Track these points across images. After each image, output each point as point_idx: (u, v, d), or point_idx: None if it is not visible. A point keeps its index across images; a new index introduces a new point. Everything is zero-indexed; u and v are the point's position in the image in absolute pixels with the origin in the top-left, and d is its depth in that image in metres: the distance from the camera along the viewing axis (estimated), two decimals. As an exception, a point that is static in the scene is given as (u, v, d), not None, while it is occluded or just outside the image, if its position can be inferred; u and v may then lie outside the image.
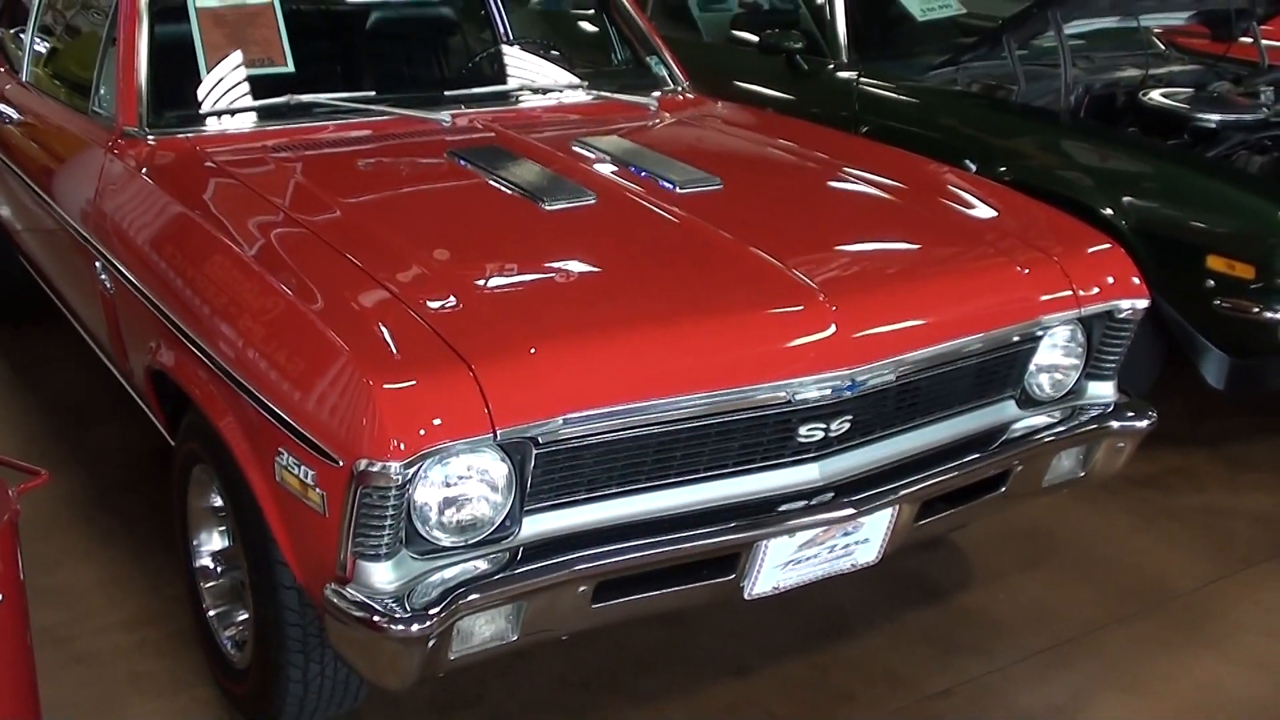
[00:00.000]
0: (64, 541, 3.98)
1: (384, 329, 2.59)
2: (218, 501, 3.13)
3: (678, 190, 3.35)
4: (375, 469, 2.39)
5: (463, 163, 3.50)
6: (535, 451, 2.56)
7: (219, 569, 3.25)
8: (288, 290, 2.75)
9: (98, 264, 3.56)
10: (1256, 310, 4.24)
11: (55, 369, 5.07)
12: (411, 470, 2.42)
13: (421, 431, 2.40)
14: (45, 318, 4.78)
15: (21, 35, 4.66)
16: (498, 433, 2.47)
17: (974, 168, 4.92)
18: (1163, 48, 6.03)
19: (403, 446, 2.39)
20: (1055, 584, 3.87)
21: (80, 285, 3.84)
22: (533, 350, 2.56)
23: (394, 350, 2.53)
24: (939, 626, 3.64)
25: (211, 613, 3.27)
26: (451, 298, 2.74)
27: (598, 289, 2.95)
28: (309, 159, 3.59)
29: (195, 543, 3.30)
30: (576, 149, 3.66)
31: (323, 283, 2.78)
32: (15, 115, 4.46)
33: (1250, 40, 5.81)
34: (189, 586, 3.35)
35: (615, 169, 3.51)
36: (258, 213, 3.18)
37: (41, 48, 4.55)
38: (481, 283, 2.86)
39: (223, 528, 3.22)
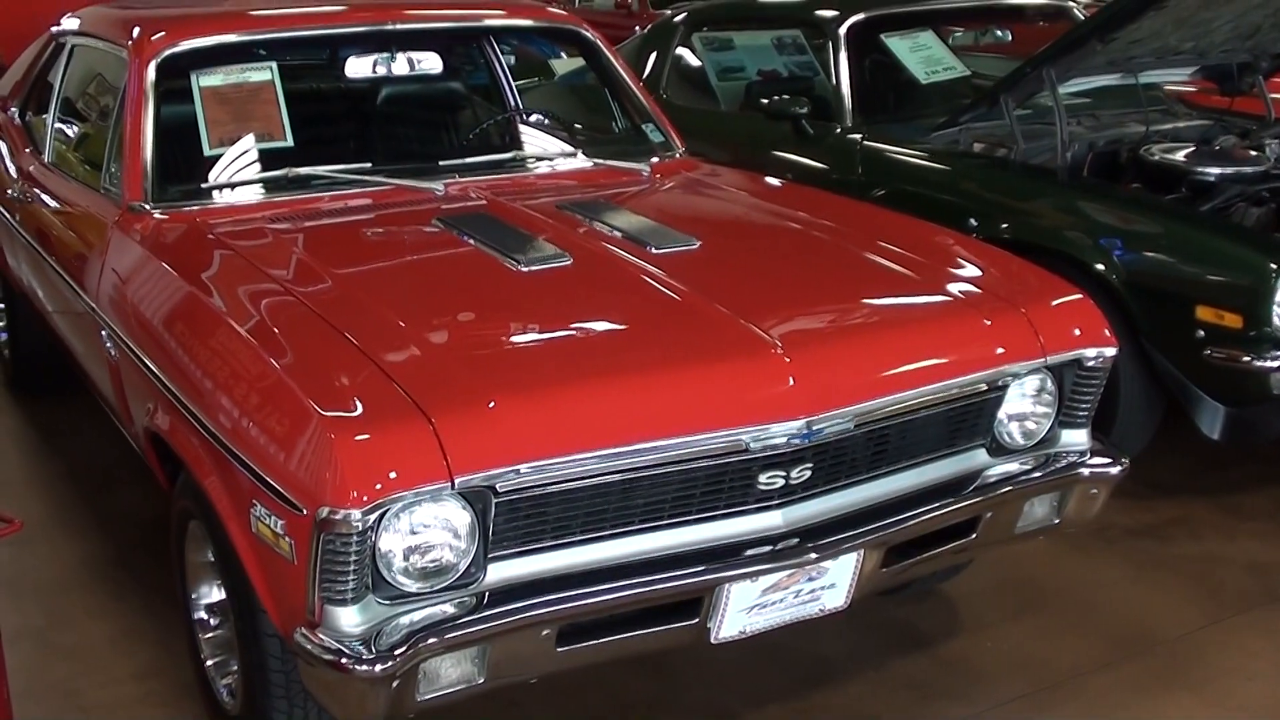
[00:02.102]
0: (81, 599, 4.14)
1: (351, 386, 2.73)
2: (211, 556, 3.26)
3: (653, 250, 3.47)
4: (337, 517, 2.52)
5: (449, 229, 3.64)
6: (495, 500, 2.68)
7: (215, 620, 3.38)
8: (263, 351, 2.89)
9: (103, 332, 3.73)
10: (1247, 359, 4.29)
11: (80, 438, 5.25)
12: (372, 517, 2.55)
13: (379, 484, 2.53)
14: (71, 389, 4.96)
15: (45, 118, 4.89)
16: (455, 481, 2.59)
17: (976, 225, 5.02)
18: (1169, 104, 6.10)
19: (362, 496, 2.52)
20: (1041, 632, 3.92)
21: (92, 354, 4.01)
22: (492, 404, 2.69)
23: (358, 405, 2.66)
24: (922, 674, 3.70)
25: (209, 663, 3.40)
26: (419, 355, 2.88)
27: (562, 344, 3.07)
28: (303, 230, 3.75)
29: (194, 596, 3.44)
30: (562, 213, 3.80)
31: (298, 344, 2.93)
32: (39, 194, 4.66)
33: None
34: (189, 638, 3.48)
35: (596, 231, 3.64)
36: (247, 281, 3.34)
37: (62, 129, 4.77)
38: (450, 341, 3.01)
39: (218, 581, 3.35)
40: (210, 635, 3.40)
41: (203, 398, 3.00)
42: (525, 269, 3.34)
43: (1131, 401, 4.64)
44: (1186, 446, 4.81)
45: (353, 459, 2.55)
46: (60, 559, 4.37)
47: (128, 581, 4.20)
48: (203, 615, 3.41)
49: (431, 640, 2.61)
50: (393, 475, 2.54)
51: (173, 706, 3.56)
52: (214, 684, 3.37)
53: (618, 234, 3.60)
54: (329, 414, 2.63)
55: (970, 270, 3.54)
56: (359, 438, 2.58)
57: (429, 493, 2.59)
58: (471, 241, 3.55)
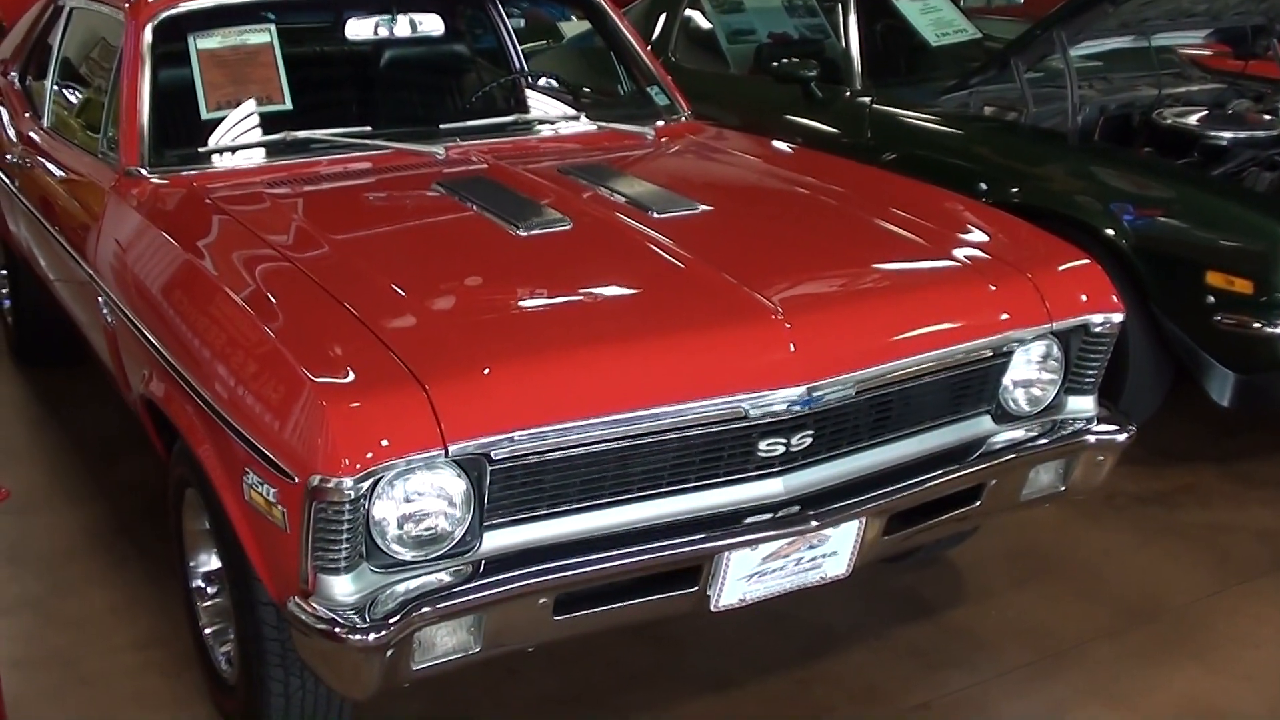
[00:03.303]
0: (83, 568, 4.12)
1: (344, 353, 2.69)
2: (207, 524, 3.24)
3: (654, 215, 3.42)
4: (329, 485, 2.49)
5: (449, 194, 3.60)
6: (491, 467, 2.64)
7: (212, 589, 3.36)
8: (256, 318, 2.86)
9: (100, 299, 3.70)
10: (1257, 325, 4.25)
11: (83, 407, 5.23)
12: (365, 485, 2.51)
13: (371, 451, 2.50)
14: (76, 358, 4.93)
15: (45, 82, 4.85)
16: (449, 449, 2.56)
17: (986, 189, 4.97)
18: (1182, 67, 6.02)
19: (354, 464, 2.48)
20: (1047, 600, 3.89)
21: (91, 320, 3.98)
22: (487, 370, 2.65)
23: (351, 373, 2.63)
24: (926, 641, 3.67)
25: (208, 631, 3.39)
26: (414, 321, 2.84)
27: (560, 310, 3.03)
28: (301, 194, 3.71)
29: (192, 564, 3.42)
30: (563, 177, 3.75)
31: (292, 311, 2.90)
32: (38, 159, 4.63)
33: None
34: (187, 606, 3.46)
35: (597, 196, 3.60)
36: (243, 247, 3.30)
37: (60, 92, 4.73)
38: (446, 307, 2.97)
39: (215, 549, 3.32)
40: (208, 603, 3.38)
41: (196, 364, 2.97)
42: (524, 234, 3.30)
43: (1141, 368, 4.60)
44: (1196, 413, 4.78)
45: (344, 426, 2.51)
46: (62, 528, 4.35)
47: (130, 550, 4.18)
48: (200, 583, 3.39)
49: (426, 609, 2.58)
50: (385, 443, 2.51)
51: (173, 675, 3.54)
52: (212, 652, 3.35)
53: (619, 198, 3.56)
54: (321, 381, 2.59)
55: (977, 236, 3.49)
56: (351, 405, 2.55)
57: (422, 460, 2.56)
58: (471, 206, 3.51)
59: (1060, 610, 3.82)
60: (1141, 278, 4.49)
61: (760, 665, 3.56)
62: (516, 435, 2.62)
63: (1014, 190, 4.93)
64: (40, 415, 5.30)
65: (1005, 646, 3.65)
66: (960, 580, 3.98)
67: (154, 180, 3.78)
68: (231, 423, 2.76)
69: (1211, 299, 4.32)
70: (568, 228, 3.35)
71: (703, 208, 3.53)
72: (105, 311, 3.68)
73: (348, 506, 2.52)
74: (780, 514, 2.93)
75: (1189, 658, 3.59)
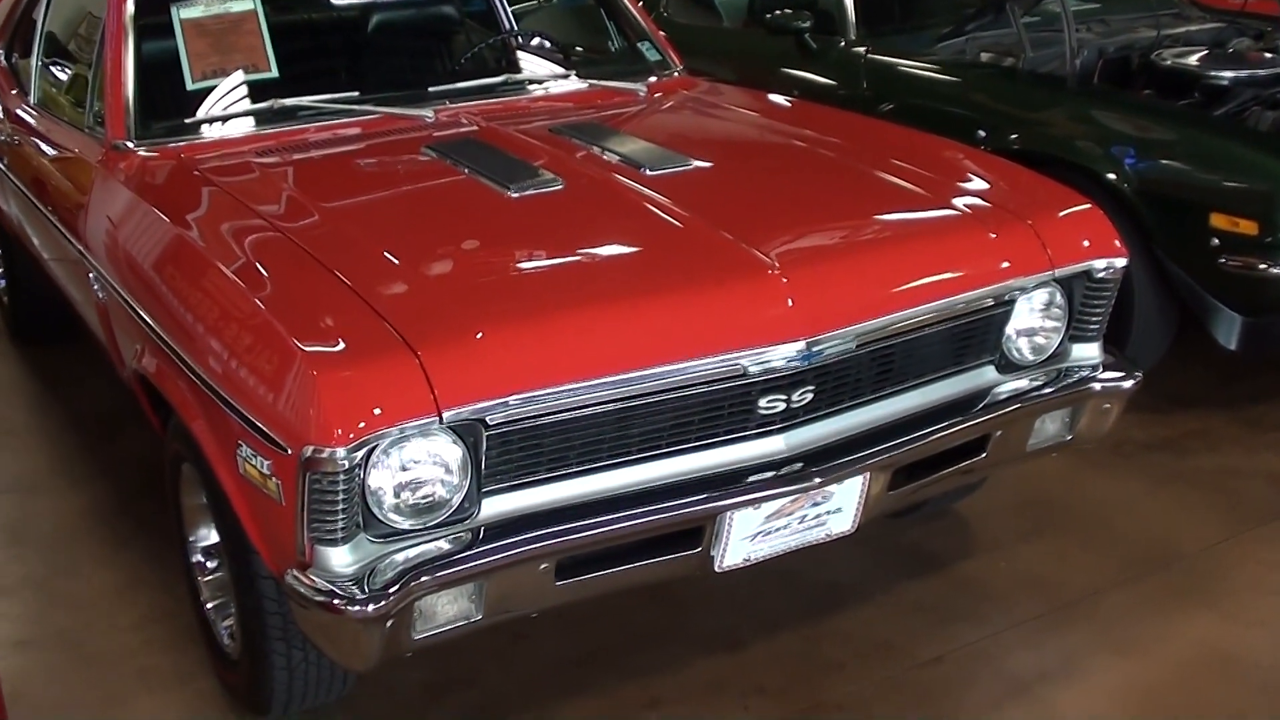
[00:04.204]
0: (86, 548, 4.08)
1: (336, 322, 2.65)
2: (205, 499, 3.20)
3: (647, 172, 3.37)
4: (322, 455, 2.45)
5: (437, 157, 3.55)
6: (487, 433, 2.60)
7: (212, 563, 3.33)
8: (246, 289, 2.82)
9: (91, 274, 3.66)
10: (1263, 267, 4.20)
11: (82, 386, 5.19)
12: (359, 455, 2.48)
13: (364, 420, 2.46)
14: (74, 336, 4.89)
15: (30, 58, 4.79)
16: (444, 415, 2.52)
17: (985, 136, 4.91)
18: (1181, 7, 5.95)
19: (347, 434, 2.44)
20: (1057, 550, 3.85)
21: (83, 297, 3.94)
22: (479, 334, 2.61)
23: (342, 342, 2.59)
24: (935, 595, 3.64)
25: (209, 606, 3.36)
26: (405, 288, 2.80)
27: (553, 272, 2.98)
28: (290, 163, 3.66)
29: (191, 539, 3.39)
30: (555, 137, 3.70)
31: (282, 281, 2.85)
32: (26, 136, 4.58)
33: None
34: (188, 582, 3.44)
35: (589, 155, 3.54)
36: (232, 218, 3.24)
37: (45, 68, 4.67)
38: (437, 272, 2.92)
39: (214, 523, 3.29)
40: (209, 578, 3.35)
41: (187, 338, 2.93)
42: (516, 195, 3.25)
43: (1146, 314, 4.55)
44: (1203, 358, 4.73)
45: (336, 396, 2.47)
46: (63, 508, 4.32)
47: (131, 529, 4.15)
48: (200, 558, 3.36)
49: (425, 578, 2.55)
50: (377, 411, 2.47)
51: (176, 651, 3.51)
52: (214, 627, 3.32)
53: (612, 156, 3.50)
54: (311, 350, 2.55)
55: (977, 184, 3.44)
56: (342, 374, 2.51)
57: (416, 428, 2.52)
58: (462, 169, 3.45)
59: (1070, 560, 3.79)
60: (1144, 222, 4.44)
61: (769, 623, 3.53)
62: (511, 400, 2.58)
63: (1013, 137, 4.87)
64: (38, 394, 5.26)
65: (1016, 598, 3.62)
66: (968, 533, 3.95)
67: (141, 153, 3.72)
68: (224, 396, 2.73)
69: (1216, 241, 4.26)
70: (560, 188, 3.30)
71: (697, 164, 3.48)
72: (96, 288, 3.64)
73: (342, 477, 2.48)
74: (783, 471, 2.89)
75: (1201, 606, 3.56)
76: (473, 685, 3.33)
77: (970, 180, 3.46)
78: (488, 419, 2.58)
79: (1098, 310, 3.31)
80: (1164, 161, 4.44)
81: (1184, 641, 3.41)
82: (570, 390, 2.63)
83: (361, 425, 2.46)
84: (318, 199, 3.33)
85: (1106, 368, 3.32)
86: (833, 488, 2.93)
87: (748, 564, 2.96)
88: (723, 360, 2.75)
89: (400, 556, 2.60)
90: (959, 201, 3.30)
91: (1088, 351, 3.34)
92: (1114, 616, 3.52)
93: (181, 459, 3.23)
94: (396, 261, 2.91)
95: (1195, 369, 4.88)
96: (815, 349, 2.82)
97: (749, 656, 3.42)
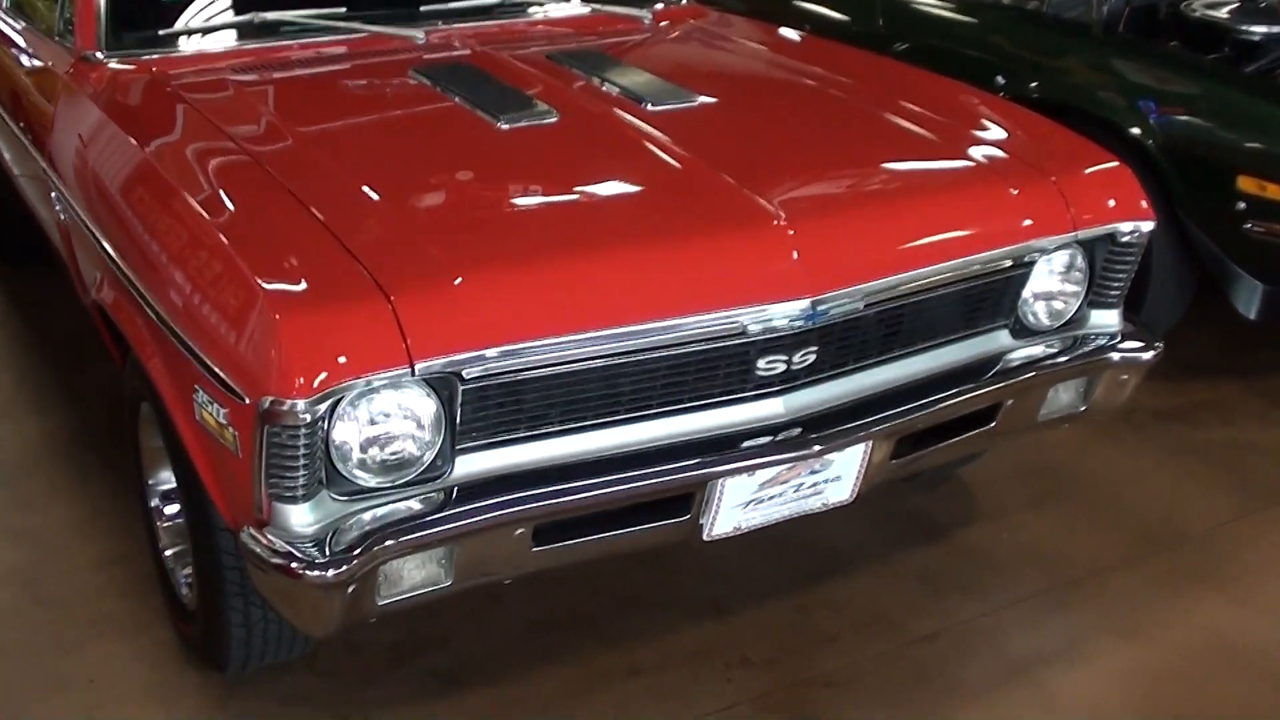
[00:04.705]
0: (46, 479, 3.89)
1: (304, 260, 2.45)
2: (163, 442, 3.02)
3: (649, 108, 3.16)
4: (282, 407, 2.25)
5: (425, 82, 3.33)
6: (463, 387, 2.41)
7: (171, 509, 3.14)
8: (210, 221, 2.60)
9: (54, 194, 3.44)
10: (1291, 234, 4.00)
11: (54, 310, 4.96)
12: (321, 408, 2.28)
13: (327, 370, 2.26)
14: (47, 258, 4.67)
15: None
16: (416, 367, 2.32)
17: (1004, 83, 4.70)
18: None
19: (309, 384, 2.25)
20: (1062, 523, 3.67)
21: (48, 217, 3.73)
22: (459, 280, 2.41)
23: (309, 282, 2.39)
24: (934, 566, 3.47)
25: (168, 553, 3.17)
26: (380, 225, 2.60)
27: (540, 213, 2.78)
28: (269, 82, 3.43)
29: (151, 481, 3.20)
30: (552, 65, 3.48)
31: (249, 213, 2.65)
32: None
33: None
34: (147, 526, 3.25)
35: (586, 84, 3.33)
36: (202, 140, 3.03)
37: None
38: (415, 208, 2.71)
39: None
40: (168, 524, 3.16)
41: (144, 269, 2.73)
42: (507, 127, 3.04)
43: (1163, 277, 4.35)
44: (1218, 325, 4.53)
45: (298, 342, 2.27)
46: (24, 437, 4.12)
47: (95, 462, 3.95)
48: (158, 502, 3.17)
49: (389, 542, 2.36)
50: (342, 360, 2.27)
51: (133, 598, 3.33)
52: (173, 575, 3.14)
53: (611, 88, 3.29)
54: (274, 291, 2.35)
55: (999, 135, 3.23)
56: (307, 318, 2.30)
57: (386, 380, 2.32)
58: (451, 96, 3.24)
59: (1076, 534, 3.61)
60: (1168, 180, 4.23)
61: (760, 590, 3.35)
62: (491, 352, 2.38)
63: (1033, 84, 4.66)
64: (6, 316, 5.04)
65: (1018, 573, 3.45)
66: (972, 500, 3.77)
67: (112, 66, 3.49)
68: (180, 335, 2.53)
69: (1242, 205, 4.07)
70: (554, 121, 3.09)
71: (702, 100, 3.28)
72: (59, 208, 3.43)
73: (303, 431, 2.29)
74: (780, 437, 2.70)
75: (1210, 589, 3.39)
76: (444, 648, 3.16)
77: (992, 131, 3.25)
78: (464, 372, 2.39)
79: (1120, 275, 3.11)
80: (1190, 118, 4.23)
81: (1191, 627, 3.25)
82: (555, 344, 2.43)
83: (325, 375, 2.25)
84: (295, 123, 3.11)
85: (1126, 337, 3.13)
86: (832, 455, 2.74)
87: (738, 533, 2.78)
88: (721, 317, 2.55)
89: (367, 516, 2.41)
90: (979, 153, 3.09)
91: (1107, 318, 3.15)
92: (1119, 597, 3.35)
93: (140, 397, 3.03)
94: (374, 196, 2.70)
95: (1208, 336, 4.68)
96: (821, 308, 2.63)
97: (736, 625, 3.25)
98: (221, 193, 2.72)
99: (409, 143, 3.08)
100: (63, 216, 3.40)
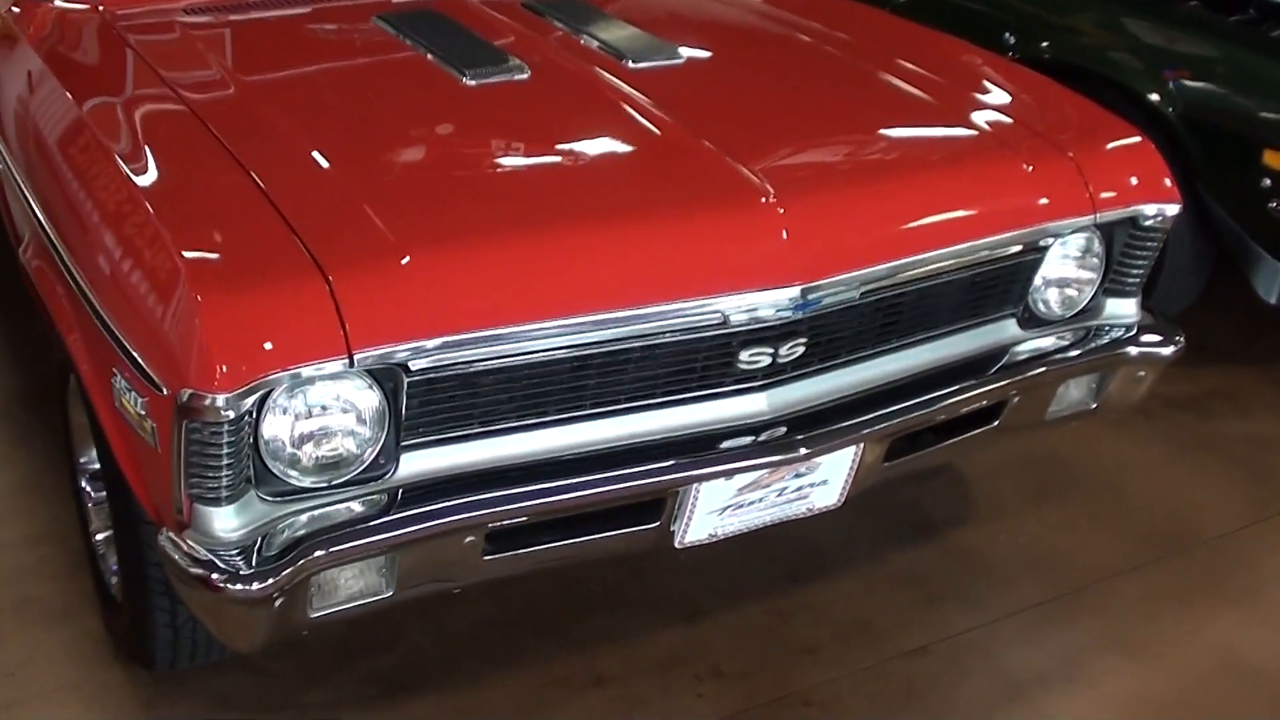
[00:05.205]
0: (-20, 444, 3.65)
1: (234, 232, 2.20)
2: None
3: (629, 65, 2.90)
4: (203, 401, 2.00)
5: (388, 29, 3.06)
6: (408, 379, 2.16)
7: (100, 492, 2.88)
8: (136, 184, 2.34)
9: (-10, 141, 3.18)
10: (1318, 217, 3.75)
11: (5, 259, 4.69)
12: (247, 402, 2.02)
13: (254, 359, 2.01)
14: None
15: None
16: (355, 357, 2.07)
17: (1013, 43, 4.43)
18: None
19: (234, 375, 1.99)
20: (1065, 522, 3.43)
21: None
22: (406, 259, 2.15)
23: (239, 258, 2.13)
24: (926, 569, 3.22)
25: (98, 537, 2.93)
26: (323, 193, 2.33)
27: (503, 184, 2.51)
28: (220, 23, 3.15)
29: (82, 459, 2.95)
30: (526, 14, 3.22)
31: (182, 176, 2.39)
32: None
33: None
34: (78, 506, 3.01)
35: (564, 36, 3.06)
36: (139, 88, 2.78)
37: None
38: (363, 175, 2.42)
39: (97, 449, 2.86)
40: (97, 505, 2.92)
41: (67, 235, 2.47)
42: (470, 82, 2.77)
43: (1179, 257, 4.09)
44: (1235, 308, 4.27)
45: (221, 327, 2.02)
46: (-39, 394, 3.87)
47: (34, 426, 3.68)
48: (86, 484, 2.93)
49: (321, 552, 2.11)
50: (269, 347, 2.01)
51: (64, 580, 3.09)
52: (103, 561, 2.90)
53: (590, 41, 3.04)
54: (197, 264, 2.09)
55: (1012, 103, 2.99)
56: (232, 299, 2.05)
57: (319, 372, 2.06)
58: (414, 46, 2.96)
59: (1079, 537, 3.37)
60: (1188, 152, 3.96)
61: (735, 590, 3.11)
62: (439, 342, 2.13)
63: (1044, 45, 4.39)
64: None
65: (1016, 579, 3.20)
66: (969, 496, 3.52)
67: (58, 3, 3.21)
68: (100, 312, 2.27)
69: (1268, 182, 3.80)
70: (525, 78, 2.83)
71: (688, 55, 3.01)
72: (-5, 156, 3.16)
73: (226, 427, 2.04)
74: (763, 438, 2.46)
75: (1222, 602, 3.15)
76: (391, 648, 2.92)
77: (1004, 99, 3.00)
78: (410, 363, 2.13)
79: (1140, 262, 2.87)
80: (1215, 87, 3.96)
81: (1202, 645, 3.01)
82: (512, 334, 2.18)
83: (250, 366, 2.00)
84: (243, 73, 2.85)
85: (1144, 329, 2.89)
86: (820, 458, 2.49)
87: (713, 540, 2.55)
88: (699, 306, 2.31)
89: (301, 519, 2.17)
90: (989, 124, 2.83)
91: (1123, 308, 2.90)
92: (1124, 610, 3.12)
93: (68, 369, 2.77)
94: (320, 160, 2.43)
95: (1221, 319, 4.42)
96: (812, 296, 2.37)
97: (709, 629, 3.01)
98: (154, 153, 2.45)
99: (363, 98, 2.81)
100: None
